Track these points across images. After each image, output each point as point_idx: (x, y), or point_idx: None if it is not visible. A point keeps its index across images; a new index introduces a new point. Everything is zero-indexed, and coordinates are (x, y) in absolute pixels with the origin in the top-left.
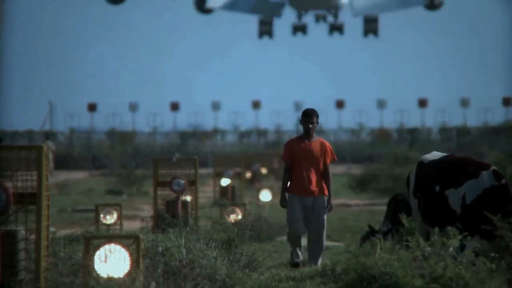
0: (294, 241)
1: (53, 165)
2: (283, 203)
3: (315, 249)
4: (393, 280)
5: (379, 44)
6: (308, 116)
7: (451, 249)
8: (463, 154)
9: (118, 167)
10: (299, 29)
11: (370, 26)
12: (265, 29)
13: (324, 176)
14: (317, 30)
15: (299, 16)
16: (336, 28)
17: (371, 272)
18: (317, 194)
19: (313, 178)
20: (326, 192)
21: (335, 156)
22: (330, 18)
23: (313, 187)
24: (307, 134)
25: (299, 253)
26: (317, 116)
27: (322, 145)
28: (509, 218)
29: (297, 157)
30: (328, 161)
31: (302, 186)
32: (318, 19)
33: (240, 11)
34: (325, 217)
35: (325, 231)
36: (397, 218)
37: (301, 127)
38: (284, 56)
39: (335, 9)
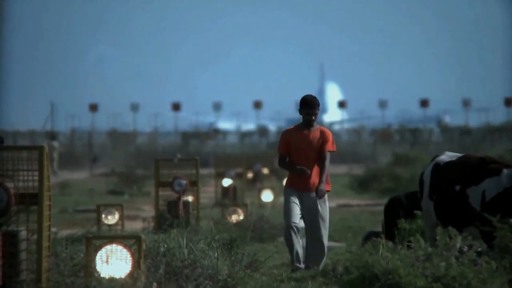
0: (292, 240)
1: (58, 165)
2: (301, 170)
3: (315, 253)
4: (395, 280)
5: (381, 45)
6: (310, 108)
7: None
8: (482, 153)
9: (119, 168)
10: None
11: None
12: None
13: (319, 162)
14: None
15: None
16: None
17: (373, 271)
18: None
19: (314, 171)
20: (326, 185)
21: (335, 147)
22: None
23: (314, 181)
24: (307, 126)
25: (299, 259)
26: (319, 106)
27: (323, 133)
28: None
29: (296, 148)
30: (326, 148)
31: (302, 181)
32: None
33: None
34: (327, 214)
35: (326, 230)
36: (396, 221)
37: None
38: (286, 54)
39: None
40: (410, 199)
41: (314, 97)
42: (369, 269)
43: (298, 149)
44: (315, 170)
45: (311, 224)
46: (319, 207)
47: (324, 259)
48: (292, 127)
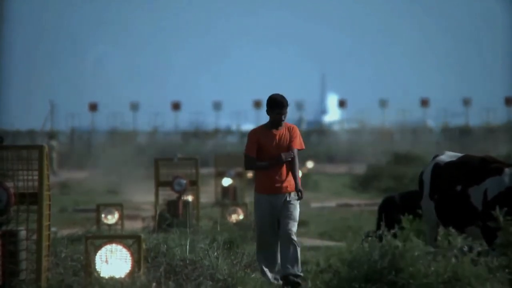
0: (266, 257)
1: (57, 165)
2: (278, 159)
3: (289, 254)
4: (395, 276)
5: (381, 45)
6: (282, 107)
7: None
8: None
9: (119, 167)
10: None
11: None
12: None
13: (290, 162)
14: None
15: None
16: None
17: (375, 267)
18: (289, 190)
19: (284, 171)
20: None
21: (303, 145)
22: None
23: (284, 182)
24: (276, 125)
25: (270, 275)
26: (288, 105)
27: (290, 129)
28: None
29: (265, 149)
30: (294, 145)
31: (272, 183)
32: None
33: None
34: (297, 214)
35: (295, 227)
36: (392, 221)
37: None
38: (285, 55)
39: None
40: (404, 199)
41: (283, 96)
42: (371, 266)
43: (268, 150)
44: (286, 170)
45: (283, 225)
46: (290, 209)
47: (299, 255)
48: (259, 127)
